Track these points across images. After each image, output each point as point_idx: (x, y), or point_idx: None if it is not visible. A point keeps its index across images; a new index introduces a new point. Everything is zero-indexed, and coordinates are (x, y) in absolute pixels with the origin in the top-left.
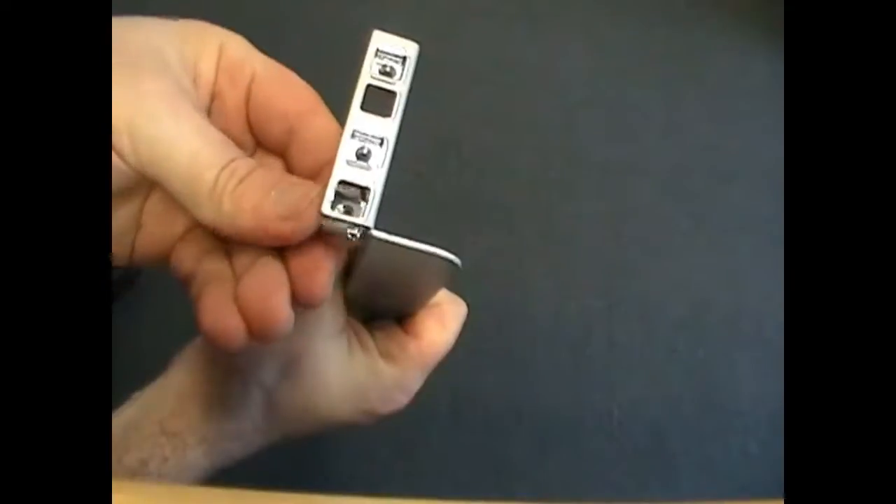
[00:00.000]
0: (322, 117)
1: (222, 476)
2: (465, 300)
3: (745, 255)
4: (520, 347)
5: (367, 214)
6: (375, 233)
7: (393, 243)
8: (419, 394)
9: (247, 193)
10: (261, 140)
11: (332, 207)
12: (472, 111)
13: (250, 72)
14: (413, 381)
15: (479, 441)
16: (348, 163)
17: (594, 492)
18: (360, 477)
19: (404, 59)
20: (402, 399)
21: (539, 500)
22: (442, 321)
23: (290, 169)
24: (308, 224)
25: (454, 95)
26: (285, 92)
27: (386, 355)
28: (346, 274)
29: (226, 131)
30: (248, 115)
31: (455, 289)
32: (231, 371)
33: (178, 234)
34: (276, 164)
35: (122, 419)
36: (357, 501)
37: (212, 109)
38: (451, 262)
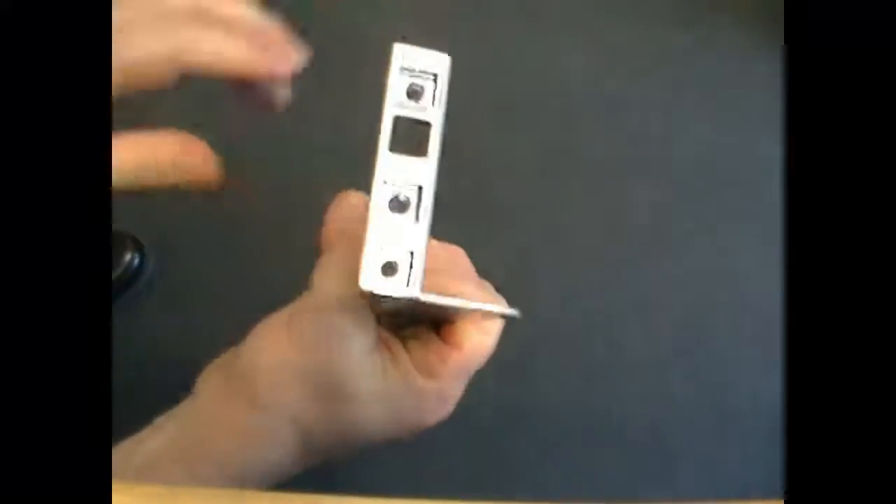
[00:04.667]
0: None
1: None
2: None
3: (745, 255)
4: (520, 347)
5: (412, 283)
6: (425, 298)
7: (447, 306)
8: None
9: None
10: None
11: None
12: (471, 111)
13: None
14: (455, 391)
15: (479, 441)
16: (382, 220)
17: (594, 492)
18: (360, 477)
19: (435, 76)
20: (444, 411)
21: (539, 500)
22: (482, 326)
23: None
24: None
25: (454, 95)
26: None
27: (424, 370)
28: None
29: None
30: None
31: None
32: (258, 406)
33: None
34: None
35: (148, 451)
36: (357, 501)
37: None
38: (512, 317)
